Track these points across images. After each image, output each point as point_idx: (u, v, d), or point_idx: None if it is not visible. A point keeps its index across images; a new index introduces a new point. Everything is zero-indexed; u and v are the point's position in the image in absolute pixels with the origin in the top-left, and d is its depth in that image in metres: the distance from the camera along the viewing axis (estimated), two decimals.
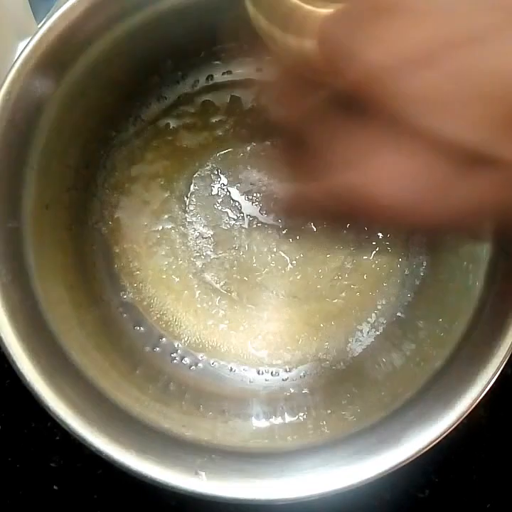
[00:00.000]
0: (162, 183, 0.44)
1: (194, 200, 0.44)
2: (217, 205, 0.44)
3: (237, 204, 0.43)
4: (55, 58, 0.32)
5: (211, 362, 0.43)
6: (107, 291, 0.42)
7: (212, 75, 0.44)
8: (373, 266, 0.43)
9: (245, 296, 0.43)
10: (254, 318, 0.43)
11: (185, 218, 0.44)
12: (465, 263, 0.37)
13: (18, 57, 0.31)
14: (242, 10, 0.24)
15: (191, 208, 0.44)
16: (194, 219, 0.44)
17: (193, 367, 0.42)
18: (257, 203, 0.44)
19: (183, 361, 0.42)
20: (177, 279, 0.43)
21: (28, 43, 0.31)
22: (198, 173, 0.44)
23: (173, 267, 0.43)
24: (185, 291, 0.43)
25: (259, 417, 0.38)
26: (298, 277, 0.43)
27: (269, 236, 0.43)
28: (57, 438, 0.43)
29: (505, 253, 0.33)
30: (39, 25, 0.31)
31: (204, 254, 0.44)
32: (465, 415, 0.30)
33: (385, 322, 0.42)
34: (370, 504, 0.43)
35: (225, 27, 0.36)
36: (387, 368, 0.38)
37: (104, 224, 0.43)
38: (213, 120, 0.44)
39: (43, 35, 0.31)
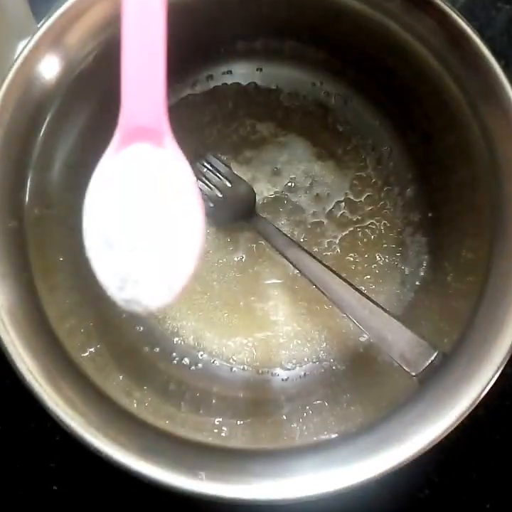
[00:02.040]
0: None
1: None
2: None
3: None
4: (54, 58, 0.32)
5: (211, 362, 0.43)
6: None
7: (212, 75, 0.44)
8: (374, 266, 0.43)
9: (246, 297, 0.43)
10: (255, 318, 0.43)
11: None
12: (464, 263, 0.37)
13: (18, 57, 0.31)
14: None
15: None
16: None
17: (193, 367, 0.42)
18: (260, 202, 0.44)
19: (183, 361, 0.42)
20: None
21: (28, 42, 0.31)
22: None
23: None
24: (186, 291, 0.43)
25: (258, 417, 0.38)
26: (300, 279, 0.43)
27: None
28: (57, 438, 0.43)
29: None
30: (39, 25, 0.31)
31: (205, 253, 0.44)
32: (465, 415, 0.30)
33: None
34: (371, 504, 0.43)
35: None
36: (388, 367, 0.38)
37: None
38: (214, 120, 0.44)
39: (42, 34, 0.31)
